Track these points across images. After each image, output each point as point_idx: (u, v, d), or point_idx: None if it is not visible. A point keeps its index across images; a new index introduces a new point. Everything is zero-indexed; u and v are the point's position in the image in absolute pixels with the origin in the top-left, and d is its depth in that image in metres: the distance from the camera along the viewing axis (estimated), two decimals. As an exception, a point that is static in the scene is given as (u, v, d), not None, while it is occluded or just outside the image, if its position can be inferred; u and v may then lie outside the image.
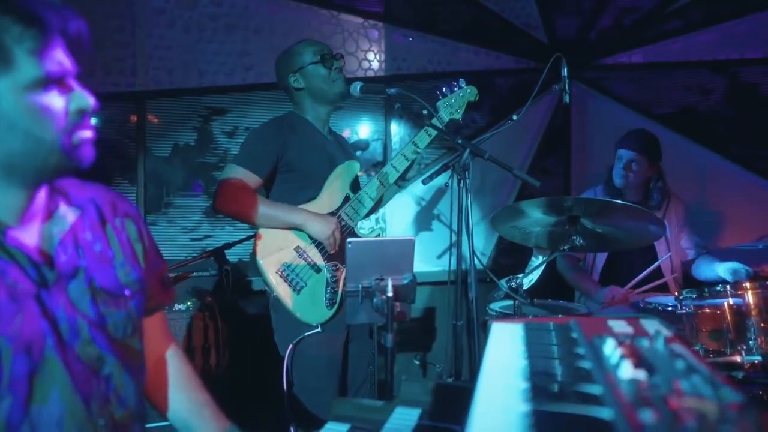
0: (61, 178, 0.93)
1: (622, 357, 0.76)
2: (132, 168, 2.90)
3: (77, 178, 0.99)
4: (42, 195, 0.91)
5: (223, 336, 2.15)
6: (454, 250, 2.07)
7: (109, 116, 2.89)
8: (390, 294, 1.40)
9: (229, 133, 3.05)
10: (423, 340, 3.46)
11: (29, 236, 0.87)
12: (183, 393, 1.12)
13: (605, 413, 0.63)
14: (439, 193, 3.50)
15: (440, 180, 3.49)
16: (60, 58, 0.83)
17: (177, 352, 1.17)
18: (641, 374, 0.69)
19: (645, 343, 0.82)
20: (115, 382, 0.93)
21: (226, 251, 2.34)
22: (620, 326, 0.95)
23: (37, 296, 0.84)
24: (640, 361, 0.72)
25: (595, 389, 0.71)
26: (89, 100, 0.86)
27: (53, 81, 0.82)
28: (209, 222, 3.01)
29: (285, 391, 1.84)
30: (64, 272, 0.89)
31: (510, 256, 3.61)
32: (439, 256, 3.43)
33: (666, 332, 0.83)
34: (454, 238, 2.01)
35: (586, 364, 0.81)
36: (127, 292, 0.97)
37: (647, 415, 0.58)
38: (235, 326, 2.39)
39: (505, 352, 0.92)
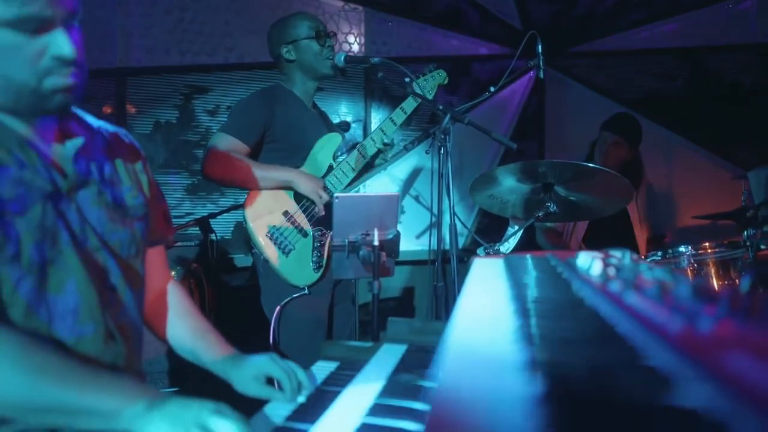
0: (40, 119, 0.92)
1: (593, 262, 0.85)
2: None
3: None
4: (54, 117, 0.95)
5: (209, 302, 2.19)
6: (433, 231, 2.14)
7: (90, 92, 2.89)
8: (376, 243, 1.47)
9: (211, 111, 3.08)
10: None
11: (45, 149, 0.92)
12: (186, 320, 1.16)
13: (582, 293, 0.71)
14: (418, 175, 3.58)
15: (419, 161, 3.60)
16: (45, 2, 0.81)
17: (177, 284, 1.21)
18: (611, 270, 0.78)
19: (613, 260, 0.91)
20: (120, 293, 0.97)
21: (210, 220, 2.37)
22: (592, 253, 1.05)
23: (52, 197, 0.89)
24: (608, 266, 0.81)
25: (573, 285, 0.80)
26: (67, 50, 0.84)
27: (31, 23, 0.81)
28: (190, 200, 3.03)
29: (272, 350, 1.89)
30: (77, 181, 0.93)
31: (488, 237, 3.71)
32: (418, 236, 3.51)
33: (633, 255, 0.93)
34: (433, 219, 2.09)
35: (564, 274, 0.90)
36: (133, 213, 1.02)
37: (615, 285, 0.67)
38: (221, 292, 2.42)
39: (488, 272, 1.00)
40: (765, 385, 0.29)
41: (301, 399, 1.01)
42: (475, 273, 0.99)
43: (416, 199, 3.56)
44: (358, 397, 0.95)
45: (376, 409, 0.87)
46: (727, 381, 0.32)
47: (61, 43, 0.83)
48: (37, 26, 0.82)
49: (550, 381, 0.38)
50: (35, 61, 0.83)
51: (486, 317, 0.58)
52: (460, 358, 0.42)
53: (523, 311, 0.56)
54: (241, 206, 2.78)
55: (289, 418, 0.95)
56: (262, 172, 1.93)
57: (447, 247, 2.09)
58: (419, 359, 1.20)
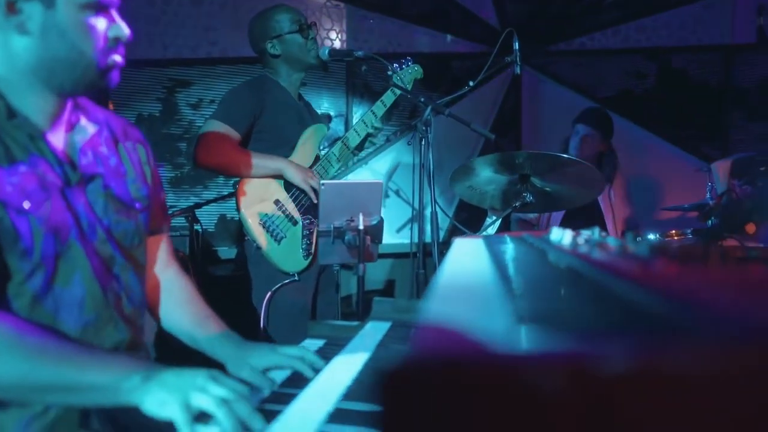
0: (90, 93, 1.03)
1: (565, 234, 0.93)
2: (94, 138, 2.89)
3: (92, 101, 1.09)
4: (68, 107, 1.00)
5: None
6: (414, 224, 2.20)
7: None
8: (361, 228, 1.53)
9: (194, 105, 3.09)
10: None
11: (57, 140, 0.97)
12: (187, 306, 1.19)
13: (554, 255, 0.79)
14: (398, 169, 3.64)
15: (399, 156, 3.67)
16: None
17: (180, 271, 1.24)
18: (579, 239, 0.86)
19: (584, 235, 0.99)
20: (125, 281, 1.02)
21: (196, 211, 2.40)
22: (564, 230, 1.13)
23: (62, 190, 0.93)
24: (577, 237, 0.89)
25: (546, 250, 0.87)
26: (125, 31, 0.99)
27: (101, 7, 0.96)
28: (174, 192, 3.04)
29: (261, 334, 1.94)
30: (85, 175, 0.98)
31: (467, 229, 3.79)
32: (399, 230, 3.58)
33: (602, 232, 1.01)
34: (414, 212, 2.15)
35: (539, 246, 0.98)
36: (137, 206, 1.06)
37: (584, 248, 0.75)
38: (206, 282, 2.45)
39: (469, 246, 1.07)
40: (698, 300, 0.36)
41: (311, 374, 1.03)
42: (457, 248, 1.07)
43: (397, 193, 3.63)
44: (347, 364, 1.00)
45: (365, 373, 0.93)
46: (669, 297, 0.39)
47: (119, 24, 0.98)
48: (103, 8, 0.96)
49: (526, 305, 0.45)
50: (102, 40, 0.96)
51: (470, 270, 0.64)
52: (449, 289, 0.48)
53: (501, 265, 0.63)
54: (226, 197, 2.82)
55: (282, 385, 1.00)
56: (255, 160, 1.97)
57: (428, 239, 2.17)
58: (404, 333, 1.26)
